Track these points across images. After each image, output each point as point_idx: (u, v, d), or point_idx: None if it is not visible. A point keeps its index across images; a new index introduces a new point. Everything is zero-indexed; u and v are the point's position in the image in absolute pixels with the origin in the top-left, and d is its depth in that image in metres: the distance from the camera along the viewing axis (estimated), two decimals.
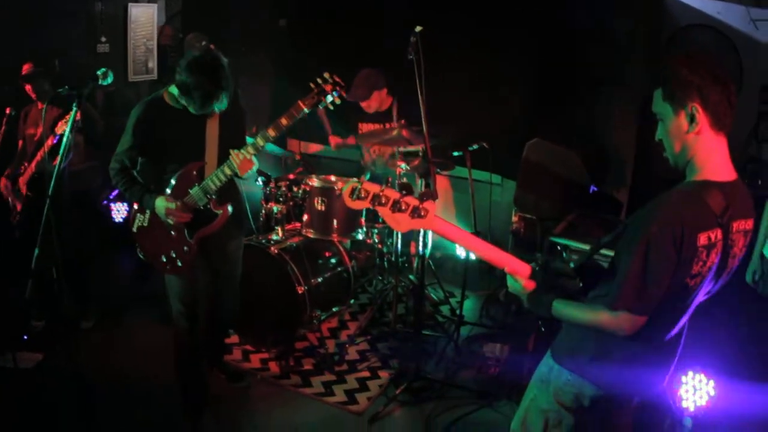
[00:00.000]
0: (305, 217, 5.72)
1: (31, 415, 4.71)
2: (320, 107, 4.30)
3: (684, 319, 2.72)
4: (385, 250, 6.14)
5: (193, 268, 4.43)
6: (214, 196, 4.35)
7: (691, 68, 2.46)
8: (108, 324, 6.04)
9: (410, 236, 6.03)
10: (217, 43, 6.22)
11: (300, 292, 5.31)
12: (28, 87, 5.66)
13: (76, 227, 6.00)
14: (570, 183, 5.86)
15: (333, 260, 5.87)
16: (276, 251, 5.39)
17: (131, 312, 6.24)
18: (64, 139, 4.07)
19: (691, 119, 2.49)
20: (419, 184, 5.50)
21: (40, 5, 6.84)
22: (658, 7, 6.13)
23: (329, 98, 4.21)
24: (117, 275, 6.87)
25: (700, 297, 2.67)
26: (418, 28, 4.72)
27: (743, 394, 4.23)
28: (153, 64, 8.28)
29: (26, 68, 5.69)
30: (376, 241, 6.03)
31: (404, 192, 2.76)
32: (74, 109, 3.97)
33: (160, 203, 4.27)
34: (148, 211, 4.43)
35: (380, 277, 6.36)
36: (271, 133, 4.23)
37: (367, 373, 5.38)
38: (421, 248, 5.39)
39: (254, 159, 4.30)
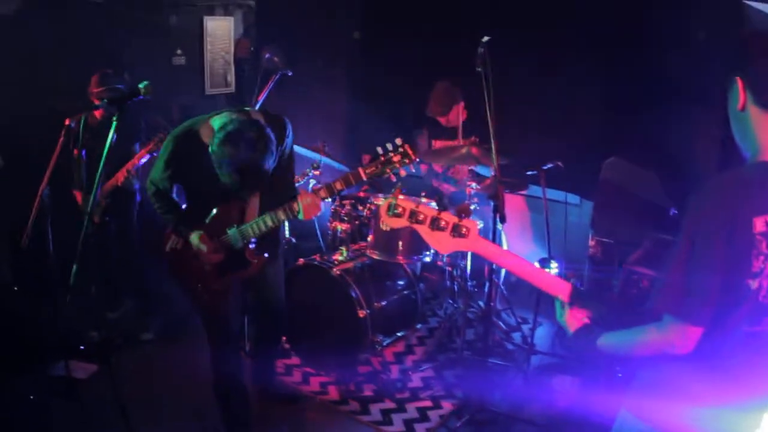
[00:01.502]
0: (370, 238, 5.54)
1: (71, 424, 4.67)
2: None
3: (763, 344, 2.26)
4: (455, 272, 5.90)
5: (221, 304, 4.25)
6: (252, 243, 4.16)
7: (741, 40, 2.22)
8: (168, 338, 6.00)
9: (483, 259, 5.82)
10: (291, 56, 6.14)
11: (362, 316, 5.11)
12: (97, 101, 5.65)
13: (128, 232, 6.04)
14: (648, 205, 5.58)
15: (399, 282, 5.69)
16: (338, 273, 5.22)
17: (189, 325, 6.14)
18: (105, 149, 3.94)
19: (736, 93, 2.25)
20: (491, 206, 5.29)
21: (113, 18, 6.87)
22: (738, 16, 5.82)
23: (395, 171, 3.85)
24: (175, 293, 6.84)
25: None
26: (486, 39, 4.52)
27: None
28: (231, 77, 8.27)
29: (96, 87, 5.67)
30: (447, 263, 5.81)
31: (441, 207, 2.54)
32: (114, 123, 3.87)
33: (195, 240, 4.10)
34: (181, 238, 4.26)
35: (450, 301, 6.13)
36: (323, 194, 4.00)
37: (429, 403, 5.16)
38: (493, 272, 5.18)
39: (321, 205, 4.08)
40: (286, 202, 4.03)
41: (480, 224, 5.77)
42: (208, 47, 7.99)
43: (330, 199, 5.75)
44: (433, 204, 2.45)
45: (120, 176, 5.69)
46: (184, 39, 7.80)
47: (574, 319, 2.59)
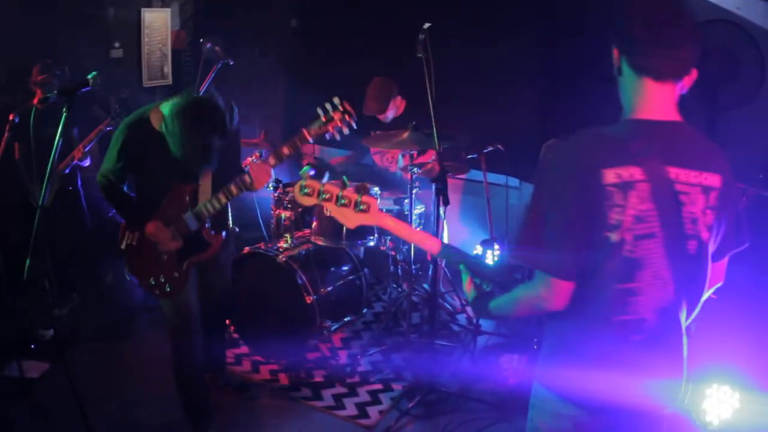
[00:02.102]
0: (314, 224, 5.57)
1: (30, 424, 4.65)
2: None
3: (645, 298, 2.28)
4: (399, 257, 5.95)
5: (184, 291, 4.25)
6: (207, 223, 4.21)
7: (617, 7, 2.27)
8: (116, 335, 5.97)
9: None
10: (228, 45, 6.12)
11: (309, 302, 5.15)
12: (39, 92, 5.59)
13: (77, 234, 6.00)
14: None
15: (344, 268, 5.72)
16: (284, 260, 5.24)
17: (140, 323, 6.17)
18: (55, 143, 3.89)
19: (613, 59, 2.35)
20: (432, 189, 5.35)
21: (51, 10, 6.78)
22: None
23: (337, 129, 3.93)
24: (126, 286, 6.78)
25: (664, 280, 2.26)
26: (427, 25, 4.56)
27: None
28: (168, 69, 8.20)
29: (38, 75, 5.62)
30: (390, 247, 5.85)
31: (342, 186, 2.76)
32: (64, 114, 3.80)
33: (150, 230, 4.09)
34: (137, 231, 4.25)
35: (395, 285, 6.18)
36: (272, 161, 4.09)
37: (379, 386, 5.22)
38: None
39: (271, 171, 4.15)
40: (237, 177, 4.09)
41: (421, 208, 5.84)
42: (146, 39, 7.91)
43: (272, 187, 5.80)
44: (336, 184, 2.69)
45: (76, 153, 5.70)
46: (122, 31, 7.73)
47: (469, 284, 2.72)
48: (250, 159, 5.66)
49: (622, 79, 2.32)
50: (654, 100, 2.27)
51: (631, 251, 2.20)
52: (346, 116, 3.90)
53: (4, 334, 5.24)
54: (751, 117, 5.53)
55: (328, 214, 5.30)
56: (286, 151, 4.03)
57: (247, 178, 4.06)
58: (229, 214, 4.57)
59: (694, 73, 2.27)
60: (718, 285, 2.50)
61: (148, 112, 4.05)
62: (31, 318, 5.57)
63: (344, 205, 2.70)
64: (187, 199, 4.14)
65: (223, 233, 4.30)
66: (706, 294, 2.42)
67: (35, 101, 5.60)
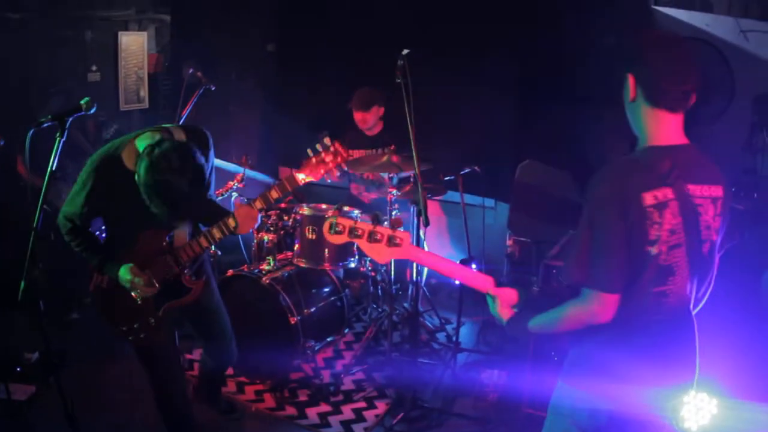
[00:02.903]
0: (296, 247, 5.65)
1: None
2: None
3: (673, 299, 2.61)
4: (378, 277, 6.05)
5: (161, 337, 4.04)
6: (186, 268, 3.98)
7: (635, 37, 2.57)
8: (102, 356, 5.92)
9: (405, 263, 5.98)
10: (206, 70, 6.18)
11: (293, 322, 5.23)
12: None
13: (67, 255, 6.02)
14: (564, 203, 5.82)
15: (326, 289, 5.80)
16: (267, 281, 5.32)
17: (127, 344, 6.14)
18: (49, 168, 3.70)
19: (627, 88, 2.61)
20: (411, 211, 5.45)
21: (28, 33, 6.81)
22: (647, 21, 6.10)
23: (328, 173, 3.71)
24: None
25: (684, 279, 2.61)
26: (405, 51, 4.67)
27: (748, 413, 4.17)
28: (144, 92, 8.24)
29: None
30: (370, 268, 5.95)
31: (375, 222, 2.81)
32: (57, 140, 3.63)
33: (124, 275, 3.80)
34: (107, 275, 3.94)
35: (375, 305, 6.27)
36: (258, 205, 3.85)
37: (363, 404, 5.29)
38: (415, 275, 5.33)
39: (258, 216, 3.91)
40: (219, 219, 3.87)
41: (401, 229, 5.92)
42: (122, 63, 7.95)
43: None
44: (368, 220, 2.74)
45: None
46: (99, 54, 7.75)
47: (505, 308, 2.87)
48: (232, 183, 5.74)
49: (633, 105, 2.62)
50: (668, 128, 2.58)
51: (665, 260, 2.52)
52: (338, 158, 3.70)
53: None
54: (720, 132, 5.69)
55: (311, 236, 5.41)
56: (274, 194, 3.82)
57: (231, 221, 3.84)
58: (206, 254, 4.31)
59: (694, 98, 2.60)
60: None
61: (120, 149, 3.72)
62: (18, 339, 5.56)
63: (377, 241, 2.77)
64: (164, 241, 3.89)
65: (203, 278, 4.10)
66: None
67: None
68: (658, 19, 6.11)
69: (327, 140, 3.68)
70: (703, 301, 2.74)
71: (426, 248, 5.93)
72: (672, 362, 2.66)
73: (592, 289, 2.51)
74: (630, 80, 2.59)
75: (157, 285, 3.87)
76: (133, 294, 3.88)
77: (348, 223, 2.79)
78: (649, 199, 2.46)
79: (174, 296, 3.99)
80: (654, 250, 2.49)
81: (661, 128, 2.58)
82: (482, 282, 2.90)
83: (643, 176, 2.49)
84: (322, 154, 3.68)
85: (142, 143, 3.61)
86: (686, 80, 2.53)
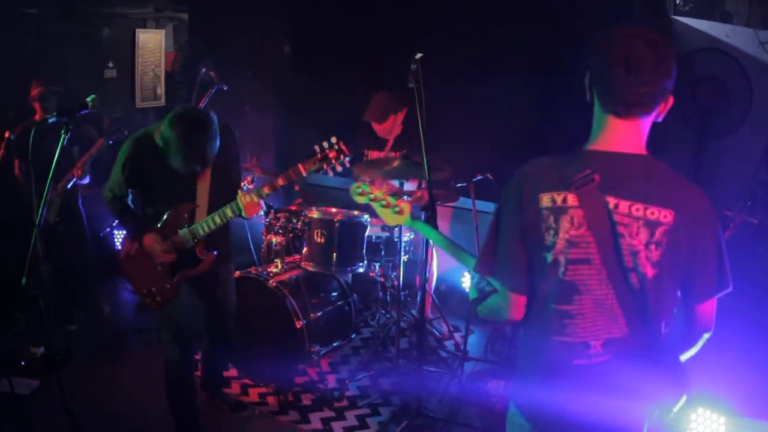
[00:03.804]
0: (305, 250, 5.62)
1: None
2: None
3: (581, 323, 2.32)
4: (387, 283, 6.00)
5: (174, 302, 4.44)
6: (201, 241, 4.38)
7: (594, 40, 2.35)
8: (106, 354, 5.97)
9: (414, 270, 5.94)
10: (222, 69, 6.17)
11: (298, 326, 5.20)
12: (39, 106, 5.66)
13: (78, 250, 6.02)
14: None
15: (333, 294, 5.78)
16: (274, 284, 5.30)
17: (131, 342, 6.17)
18: (53, 163, 3.98)
19: (586, 90, 2.41)
20: (422, 217, 5.39)
21: (45, 29, 6.82)
22: (667, 31, 6.03)
23: (331, 166, 4.18)
24: (118, 304, 6.81)
25: (609, 309, 2.30)
26: (419, 55, 4.62)
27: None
28: (161, 90, 8.25)
29: (37, 87, 5.67)
30: (379, 274, 5.91)
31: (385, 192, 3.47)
32: (62, 136, 3.95)
33: (148, 241, 4.33)
34: (137, 242, 4.42)
35: (383, 311, 6.23)
36: (266, 190, 4.28)
37: (367, 410, 5.24)
38: (425, 281, 5.28)
39: (262, 203, 4.32)
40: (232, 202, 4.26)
41: (410, 235, 5.88)
42: (139, 60, 7.96)
43: (263, 213, 5.84)
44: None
45: (75, 171, 5.75)
46: (116, 51, 7.77)
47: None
48: (243, 183, 5.71)
49: (592, 108, 2.40)
50: (615, 134, 2.32)
51: (564, 273, 2.31)
52: (341, 155, 4.16)
53: None
54: (736, 144, 5.60)
55: (319, 239, 5.38)
56: (280, 182, 4.25)
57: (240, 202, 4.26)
58: (229, 235, 4.76)
59: (670, 101, 2.31)
60: (706, 335, 2.44)
61: (152, 130, 4.24)
62: (22, 335, 5.56)
63: (385, 207, 3.43)
64: (186, 216, 4.34)
65: (215, 252, 4.43)
66: (698, 344, 2.45)
67: (37, 117, 5.67)
68: (677, 29, 6.04)
69: (333, 138, 4.17)
70: (690, 351, 2.46)
71: (435, 255, 5.90)
72: (583, 392, 2.35)
73: (502, 285, 2.44)
74: (587, 83, 2.38)
75: (174, 253, 4.34)
76: (154, 259, 4.35)
77: (366, 189, 3.49)
78: (545, 200, 2.30)
79: (188, 266, 4.40)
80: (549, 257, 2.31)
81: (608, 134, 2.32)
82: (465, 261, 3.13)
83: (549, 176, 2.33)
84: (327, 151, 4.15)
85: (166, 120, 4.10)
86: (642, 81, 2.22)
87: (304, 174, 4.21)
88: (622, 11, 6.00)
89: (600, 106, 2.34)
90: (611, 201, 2.26)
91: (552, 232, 2.30)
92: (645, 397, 2.36)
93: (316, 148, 4.16)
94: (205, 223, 4.31)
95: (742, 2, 6.01)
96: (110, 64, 7.73)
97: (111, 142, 5.66)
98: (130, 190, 4.47)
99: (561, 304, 2.34)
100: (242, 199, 4.22)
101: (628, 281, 2.27)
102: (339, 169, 4.20)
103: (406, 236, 5.77)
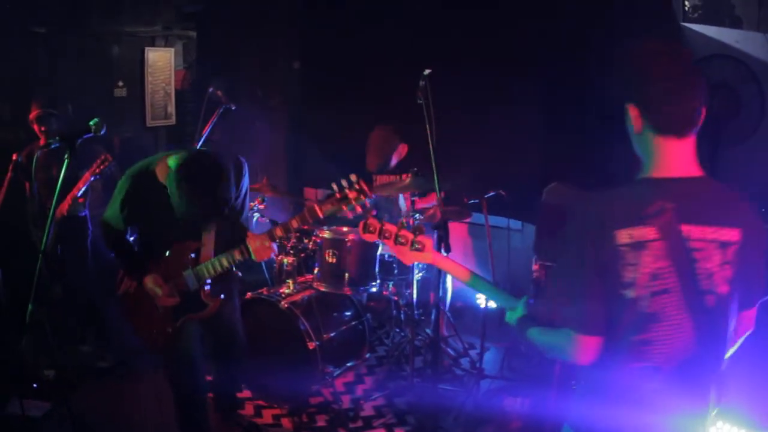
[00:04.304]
0: (316, 270, 5.59)
1: None
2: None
3: (660, 347, 2.32)
4: (402, 301, 5.95)
5: (177, 347, 4.26)
6: (206, 284, 4.17)
7: (626, 63, 2.34)
8: (117, 375, 5.94)
9: (428, 287, 5.88)
10: (231, 87, 6.14)
11: (311, 347, 5.15)
12: (37, 128, 5.63)
13: (93, 271, 5.98)
14: None
15: (347, 313, 5.73)
16: (286, 305, 5.26)
17: (142, 362, 6.11)
18: (57, 189, 3.90)
19: (629, 118, 2.36)
20: (434, 236, 5.34)
21: (55, 48, 6.81)
22: (676, 38, 5.95)
23: (351, 207, 3.72)
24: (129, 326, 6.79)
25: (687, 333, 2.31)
26: (427, 71, 4.57)
27: None
28: (172, 108, 8.23)
29: (35, 110, 5.64)
30: (392, 292, 5.85)
31: (401, 227, 2.98)
32: (66, 161, 3.84)
33: (148, 284, 4.12)
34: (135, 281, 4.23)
35: (397, 329, 6.17)
36: (279, 233, 3.99)
37: (383, 430, 5.18)
38: (439, 299, 5.23)
39: (274, 246, 4.13)
40: (241, 243, 4.03)
41: None
42: (149, 78, 7.95)
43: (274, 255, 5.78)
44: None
45: (64, 205, 5.63)
46: (126, 70, 7.76)
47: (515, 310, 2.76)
48: (252, 204, 5.67)
49: (640, 137, 2.35)
50: (674, 157, 2.31)
51: (647, 306, 2.26)
52: (362, 196, 3.71)
53: (6, 372, 5.24)
54: (750, 152, 5.53)
55: (331, 259, 5.33)
56: (294, 224, 3.93)
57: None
58: (234, 274, 4.57)
59: (704, 113, 2.32)
60: (748, 333, 2.57)
61: (154, 164, 4.07)
62: (33, 357, 5.54)
63: (401, 244, 2.95)
64: (190, 256, 4.13)
65: (221, 296, 4.24)
66: (738, 342, 2.53)
67: (41, 143, 5.64)
68: (687, 37, 5.96)
69: (353, 177, 3.71)
70: (727, 355, 2.49)
71: (449, 274, 5.84)
72: (657, 413, 2.38)
73: (574, 330, 2.32)
74: (631, 111, 2.34)
75: (177, 297, 4.13)
76: (156, 301, 4.13)
77: (377, 225, 3.01)
78: (623, 237, 2.23)
79: (193, 309, 4.20)
80: (630, 293, 2.25)
81: (670, 158, 2.31)
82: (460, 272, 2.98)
83: (622, 211, 2.26)
84: (346, 191, 3.71)
85: (173, 160, 3.86)
86: (693, 95, 2.27)
87: (321, 217, 3.81)
88: (632, 20, 5.94)
89: (654, 131, 2.31)
90: (685, 229, 2.26)
91: (632, 269, 2.25)
92: (704, 412, 2.42)
93: (335, 186, 3.73)
94: (212, 265, 4.09)
95: (752, 6, 5.92)
96: (120, 83, 7.72)
97: (98, 177, 5.55)
98: (129, 226, 4.30)
99: (639, 334, 2.31)
100: (252, 242, 4.00)
101: (703, 303, 2.29)
102: (359, 211, 3.73)
103: None
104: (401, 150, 6.19)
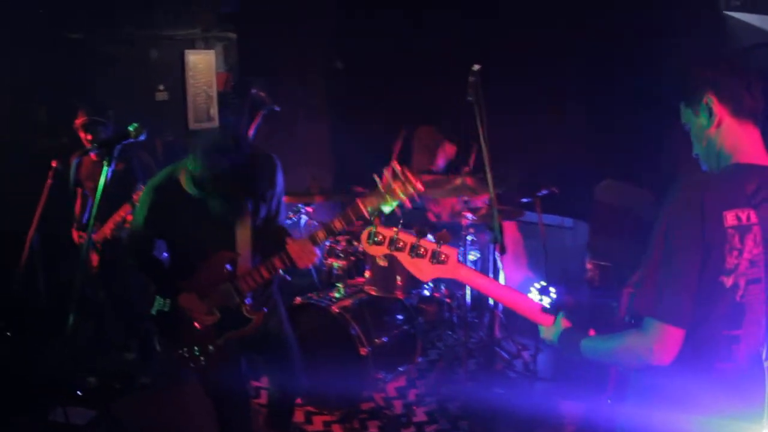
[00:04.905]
0: (367, 274, 5.51)
1: None
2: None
3: (745, 345, 2.26)
4: (454, 304, 5.83)
5: (222, 365, 3.94)
6: (247, 298, 3.85)
7: (703, 64, 2.34)
8: (164, 381, 5.87)
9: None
10: (273, 88, 6.08)
11: (363, 353, 5.05)
12: (83, 136, 5.54)
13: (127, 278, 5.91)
14: (645, 224, 5.53)
15: (398, 317, 5.64)
16: (337, 310, 5.16)
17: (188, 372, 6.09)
18: (96, 197, 3.63)
19: (709, 112, 2.30)
20: (488, 236, 5.25)
21: (93, 51, 6.80)
22: (720, 28, 5.82)
23: (397, 201, 3.37)
24: None
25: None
26: (476, 67, 4.42)
27: None
28: (214, 111, 8.18)
29: (81, 116, 5.55)
30: (445, 294, 5.75)
31: (420, 235, 2.52)
32: (104, 168, 3.56)
33: (183, 301, 3.80)
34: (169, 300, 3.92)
35: (449, 332, 6.06)
36: (321, 236, 3.66)
37: None
38: (492, 300, 5.12)
39: (317, 251, 3.74)
40: (281, 249, 3.73)
41: (475, 255, 5.73)
42: (191, 81, 7.90)
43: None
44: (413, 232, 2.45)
45: (107, 230, 5.48)
46: (166, 73, 7.72)
47: (548, 333, 2.66)
48: (296, 211, 5.61)
49: (717, 131, 2.33)
50: (755, 144, 2.32)
51: (742, 296, 2.19)
52: (409, 187, 3.34)
53: (50, 379, 5.22)
54: None
55: (383, 263, 5.22)
56: (338, 225, 3.61)
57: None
58: (276, 287, 4.25)
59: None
60: None
61: (177, 172, 3.72)
62: (77, 364, 5.52)
63: (419, 256, 2.52)
64: (226, 268, 3.80)
65: (264, 309, 3.93)
66: None
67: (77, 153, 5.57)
68: (731, 27, 5.82)
69: (397, 167, 3.35)
70: None
71: (502, 272, 5.71)
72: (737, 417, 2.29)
73: (656, 319, 2.18)
74: (714, 101, 2.31)
75: (217, 314, 3.81)
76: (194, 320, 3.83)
77: (389, 233, 2.53)
78: (731, 218, 2.16)
79: (235, 326, 3.86)
80: (729, 281, 2.17)
81: (749, 144, 2.31)
82: (529, 308, 2.68)
83: (726, 192, 2.20)
84: (391, 183, 3.36)
85: (191, 156, 3.57)
86: (759, 82, 2.34)
87: (366, 214, 3.44)
88: (676, 10, 5.83)
89: (739, 116, 2.32)
90: None
91: (736, 253, 2.17)
92: (760, 413, 2.34)
93: (377, 178, 3.40)
94: (251, 277, 3.77)
95: None
96: (161, 87, 7.68)
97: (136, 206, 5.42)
98: (155, 240, 4.00)
99: (732, 329, 2.24)
100: (293, 248, 3.67)
101: None
102: (408, 205, 3.40)
103: (472, 255, 5.62)
104: (448, 150, 6.11)
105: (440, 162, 6.06)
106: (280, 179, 3.98)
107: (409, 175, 3.34)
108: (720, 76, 2.32)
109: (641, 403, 2.43)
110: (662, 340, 2.18)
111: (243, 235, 3.84)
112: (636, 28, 5.95)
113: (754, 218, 2.18)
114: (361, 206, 3.46)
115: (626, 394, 2.52)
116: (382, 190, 3.38)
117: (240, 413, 4.16)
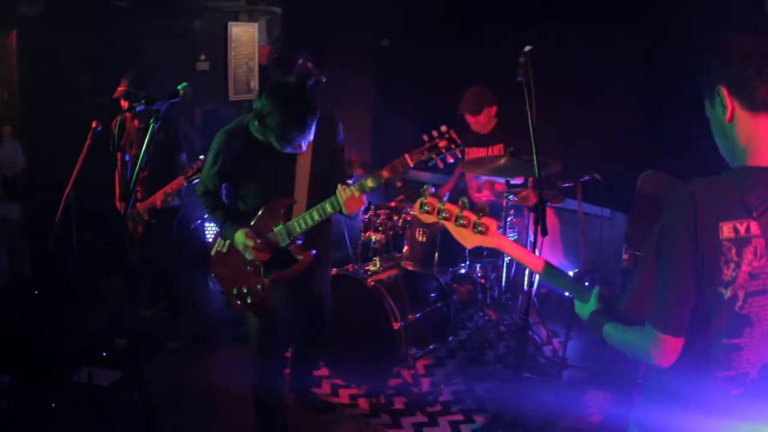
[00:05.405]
0: (405, 249, 5.48)
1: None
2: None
3: (748, 353, 2.18)
4: (488, 284, 5.81)
5: (266, 306, 4.19)
6: (298, 239, 4.11)
7: (713, 49, 2.18)
8: (193, 346, 5.96)
9: (518, 271, 5.80)
10: (318, 63, 6.07)
11: (396, 328, 5.02)
12: (125, 104, 5.54)
13: (168, 245, 5.90)
14: None
15: (432, 294, 5.60)
16: (372, 283, 5.14)
17: (220, 335, 6.15)
18: (140, 157, 3.75)
19: (722, 104, 2.15)
20: (527, 217, 5.20)
21: (135, 20, 6.82)
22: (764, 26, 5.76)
23: (441, 157, 3.76)
24: (208, 296, 6.76)
25: None
26: (527, 48, 4.41)
27: None
28: (254, 83, 8.21)
29: (123, 86, 5.55)
30: (480, 275, 5.72)
31: (463, 207, 2.73)
32: (151, 126, 3.66)
33: (240, 237, 4.06)
34: (228, 239, 4.22)
35: (481, 314, 6.04)
36: (370, 184, 3.90)
37: (461, 416, 5.06)
38: (527, 284, 5.10)
39: (364, 198, 4.03)
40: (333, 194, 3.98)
41: (513, 236, 5.69)
42: (232, 53, 7.93)
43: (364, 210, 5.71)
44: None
45: (158, 200, 5.49)
46: (208, 44, 7.76)
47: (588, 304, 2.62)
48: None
49: (730, 125, 2.18)
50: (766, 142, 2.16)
51: (741, 308, 2.11)
52: (452, 145, 3.73)
53: (76, 340, 5.24)
54: None
55: (421, 238, 5.21)
56: (385, 174, 3.87)
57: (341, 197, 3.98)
58: (329, 235, 4.57)
59: None
60: None
61: (247, 119, 4.03)
62: (106, 326, 5.53)
63: (463, 226, 2.70)
64: (282, 212, 4.09)
65: (313, 251, 4.12)
66: None
67: (127, 115, 5.56)
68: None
69: (443, 127, 3.73)
70: None
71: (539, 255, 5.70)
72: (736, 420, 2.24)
73: (652, 327, 2.16)
74: (724, 93, 2.14)
75: (268, 252, 4.08)
76: (247, 255, 4.08)
77: (436, 204, 2.73)
78: (727, 230, 2.06)
79: (282, 265, 4.12)
80: (727, 293, 2.09)
81: (765, 141, 2.13)
82: (565, 282, 2.74)
83: (724, 202, 2.09)
84: (436, 140, 3.72)
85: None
86: None
87: (412, 165, 3.79)
88: (723, 11, 5.78)
89: (751, 110, 2.13)
90: None
91: (733, 265, 2.08)
92: None
93: (425, 137, 3.73)
94: (303, 220, 4.03)
95: None
96: (202, 57, 7.71)
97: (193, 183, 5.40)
98: (223, 185, 4.29)
99: (732, 338, 2.15)
100: (342, 193, 3.90)
101: None
102: (450, 160, 3.80)
103: (511, 236, 5.59)
104: (493, 115, 6.04)
105: (482, 119, 5.98)
106: (341, 136, 4.31)
107: (453, 134, 3.72)
108: (728, 62, 2.14)
109: (651, 399, 2.40)
110: (659, 347, 2.17)
111: (301, 183, 4.12)
112: (693, 23, 5.89)
113: (755, 230, 2.08)
114: (408, 159, 3.78)
115: (643, 388, 2.49)
116: (428, 146, 3.74)
117: (277, 360, 4.44)
